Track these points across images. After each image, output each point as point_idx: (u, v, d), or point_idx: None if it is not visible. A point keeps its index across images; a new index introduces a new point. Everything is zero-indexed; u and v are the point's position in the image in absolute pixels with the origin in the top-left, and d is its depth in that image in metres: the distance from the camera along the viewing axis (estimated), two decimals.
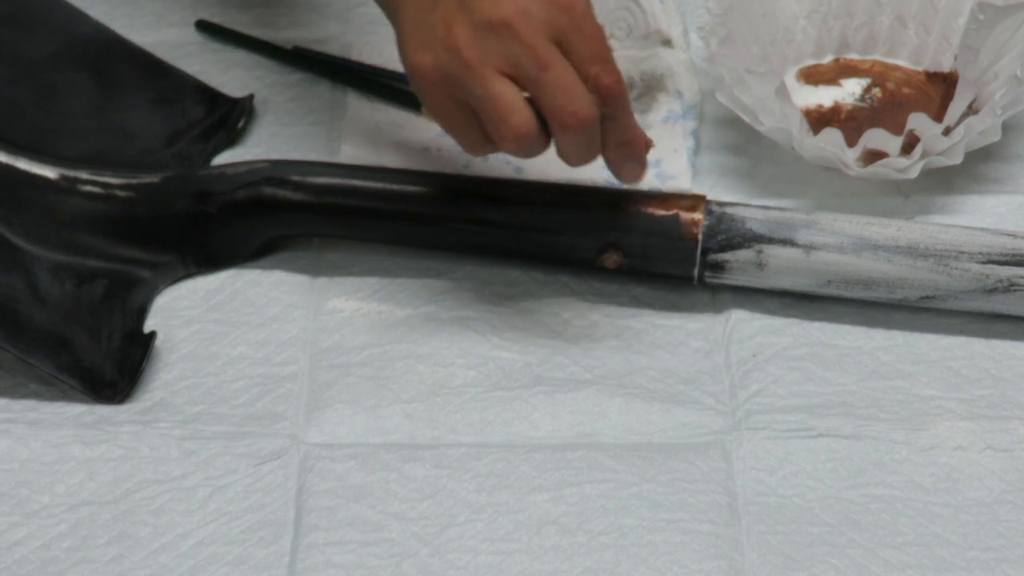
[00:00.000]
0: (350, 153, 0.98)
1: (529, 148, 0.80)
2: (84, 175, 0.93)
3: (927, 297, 0.87)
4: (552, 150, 0.82)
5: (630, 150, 0.83)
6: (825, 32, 1.02)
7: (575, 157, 0.82)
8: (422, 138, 0.99)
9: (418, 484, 0.81)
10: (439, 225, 0.90)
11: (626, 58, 1.03)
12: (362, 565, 0.78)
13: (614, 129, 0.81)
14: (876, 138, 0.92)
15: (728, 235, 0.87)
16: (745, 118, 0.95)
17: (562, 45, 0.79)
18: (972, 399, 0.85)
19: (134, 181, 0.93)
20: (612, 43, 1.01)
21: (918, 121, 0.92)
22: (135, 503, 0.81)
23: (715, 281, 0.88)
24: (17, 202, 0.91)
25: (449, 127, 0.82)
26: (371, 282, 0.91)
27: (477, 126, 0.81)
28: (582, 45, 0.79)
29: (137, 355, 0.87)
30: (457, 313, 0.90)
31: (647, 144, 0.84)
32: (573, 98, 0.78)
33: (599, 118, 0.80)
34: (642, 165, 0.84)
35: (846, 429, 0.83)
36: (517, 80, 0.79)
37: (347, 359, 0.87)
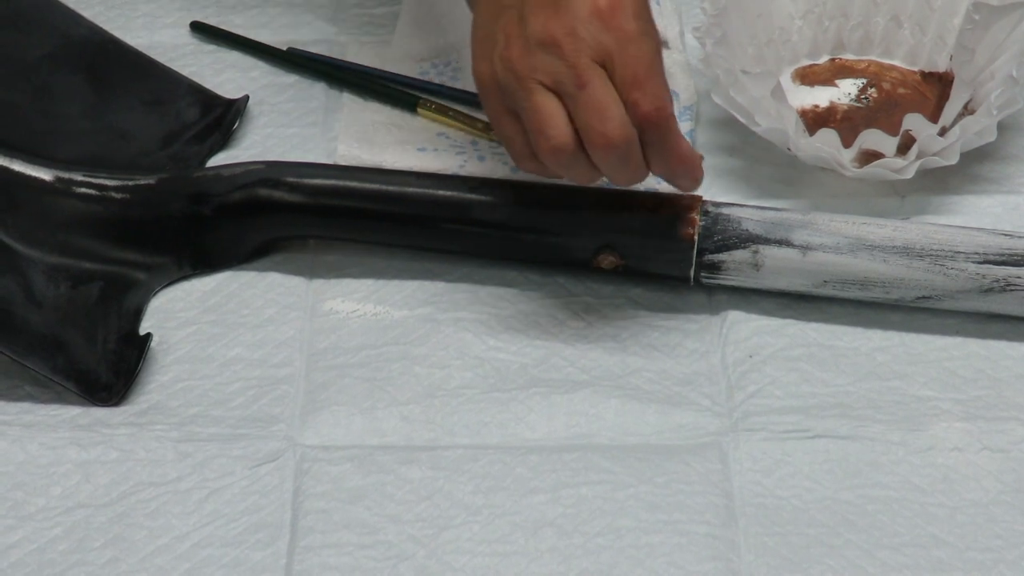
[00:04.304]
0: (346, 154, 0.98)
1: (568, 163, 0.82)
2: (79, 177, 0.93)
3: (923, 297, 0.87)
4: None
5: (678, 168, 0.84)
6: (821, 32, 1.02)
7: (614, 177, 0.83)
8: (418, 139, 0.99)
9: (415, 486, 0.81)
10: (435, 226, 0.90)
11: None
12: (358, 567, 0.78)
13: (656, 152, 0.82)
14: (872, 138, 0.92)
15: (724, 236, 0.87)
16: (741, 119, 0.95)
17: (607, 66, 0.80)
18: (969, 399, 0.85)
19: (129, 183, 0.92)
20: None
21: (914, 121, 0.92)
22: (131, 505, 0.81)
23: (711, 282, 0.88)
24: (12, 204, 0.91)
25: (500, 135, 0.85)
26: (367, 284, 0.91)
27: (524, 137, 0.83)
28: (625, 68, 0.80)
29: (133, 357, 0.87)
30: (453, 314, 0.89)
31: (698, 159, 0.85)
32: (605, 119, 0.80)
33: (634, 140, 0.81)
34: (694, 177, 0.85)
35: (843, 430, 0.83)
36: (559, 96, 0.80)
37: (343, 361, 0.87)
